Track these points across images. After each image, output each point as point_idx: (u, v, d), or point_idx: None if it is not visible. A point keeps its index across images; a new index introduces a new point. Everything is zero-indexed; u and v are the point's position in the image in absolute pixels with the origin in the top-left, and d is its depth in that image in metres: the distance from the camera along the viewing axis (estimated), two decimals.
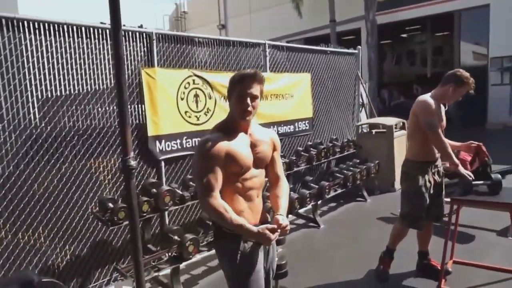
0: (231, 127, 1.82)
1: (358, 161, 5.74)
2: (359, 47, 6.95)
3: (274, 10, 17.37)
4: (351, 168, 5.40)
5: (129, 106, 3.52)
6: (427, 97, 2.99)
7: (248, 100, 1.73)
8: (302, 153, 5.16)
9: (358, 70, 6.86)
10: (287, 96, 5.19)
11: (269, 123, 4.88)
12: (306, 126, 5.55)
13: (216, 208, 1.69)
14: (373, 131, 6.34)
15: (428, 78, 19.42)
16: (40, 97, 2.98)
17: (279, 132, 5.05)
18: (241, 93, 1.73)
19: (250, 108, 1.74)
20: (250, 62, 4.73)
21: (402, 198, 3.16)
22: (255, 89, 1.74)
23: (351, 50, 6.67)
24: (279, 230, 1.76)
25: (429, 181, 3.00)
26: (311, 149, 5.29)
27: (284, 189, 1.98)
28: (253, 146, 1.85)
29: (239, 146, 1.78)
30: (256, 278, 1.80)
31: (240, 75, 1.76)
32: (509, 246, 3.68)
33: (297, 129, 5.39)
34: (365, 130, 6.44)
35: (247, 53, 4.70)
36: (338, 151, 5.59)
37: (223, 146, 1.74)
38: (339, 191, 5.09)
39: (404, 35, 21.76)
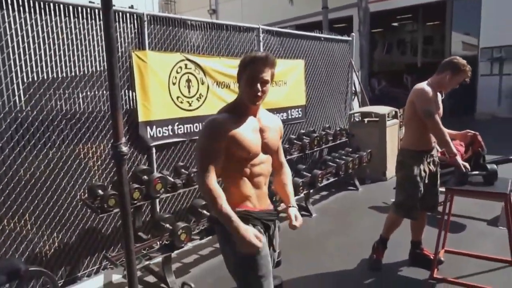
0: (239, 110, 1.77)
1: (350, 149, 5.72)
2: (353, 34, 6.88)
3: None
4: (344, 157, 5.38)
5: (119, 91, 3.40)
6: (424, 85, 2.96)
7: (259, 85, 1.68)
8: (295, 141, 5.11)
9: (351, 57, 6.80)
10: (280, 83, 5.11)
11: None
12: (299, 113, 5.49)
13: (210, 191, 1.64)
14: (366, 119, 6.32)
15: (418, 67, 19.49)
16: (25, 79, 2.84)
17: None
18: (251, 76, 1.67)
19: (260, 93, 1.69)
20: (243, 47, 4.62)
21: (397, 187, 3.14)
22: (266, 74, 1.69)
23: (345, 37, 6.59)
24: (297, 225, 1.81)
25: (424, 171, 2.99)
26: (304, 137, 5.25)
27: (289, 176, 2.00)
28: (261, 131, 1.81)
29: (246, 130, 1.74)
30: (265, 262, 1.73)
31: (251, 58, 1.69)
32: (499, 235, 3.71)
33: (290, 117, 5.32)
34: (357, 119, 6.42)
35: (240, 37, 4.58)
36: (330, 139, 5.56)
37: (229, 128, 1.69)
38: (331, 179, 5.07)
39: (396, 24, 21.73)
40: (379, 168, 5.96)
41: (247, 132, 1.73)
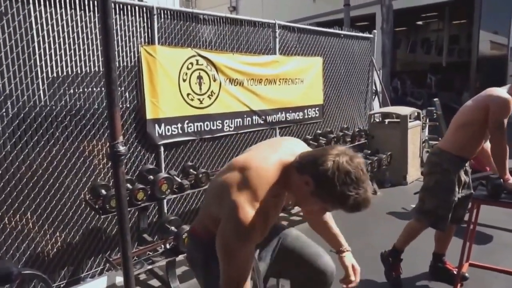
0: (280, 185, 1.33)
1: (369, 151, 5.47)
2: (375, 31, 6.60)
3: None
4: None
5: (127, 86, 3.29)
6: (506, 94, 2.57)
7: None
8: (311, 141, 4.90)
9: (372, 56, 6.52)
10: (296, 81, 4.91)
11: (277, 108, 4.62)
12: (316, 113, 5.27)
13: None
14: (386, 120, 6.05)
15: (444, 67, 18.89)
16: (29, 73, 2.75)
17: (287, 119, 4.79)
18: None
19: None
20: (259, 44, 4.44)
21: (425, 193, 2.82)
22: None
23: (366, 35, 6.32)
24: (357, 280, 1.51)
25: (460, 179, 2.72)
26: (321, 137, 5.03)
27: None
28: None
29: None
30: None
31: (351, 206, 1.29)
32: None
33: (306, 116, 5.12)
34: (377, 120, 6.15)
35: (256, 33, 4.41)
36: (348, 140, 5.32)
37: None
38: None
39: (420, 22, 21.13)
40: (400, 171, 5.68)
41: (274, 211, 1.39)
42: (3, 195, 2.65)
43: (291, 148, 1.40)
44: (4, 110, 2.62)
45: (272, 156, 1.34)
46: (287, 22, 4.84)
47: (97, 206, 2.83)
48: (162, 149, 3.54)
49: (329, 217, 1.65)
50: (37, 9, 2.73)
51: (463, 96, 12.88)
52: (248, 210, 1.21)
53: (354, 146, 5.50)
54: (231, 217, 1.24)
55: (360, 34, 6.21)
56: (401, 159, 5.64)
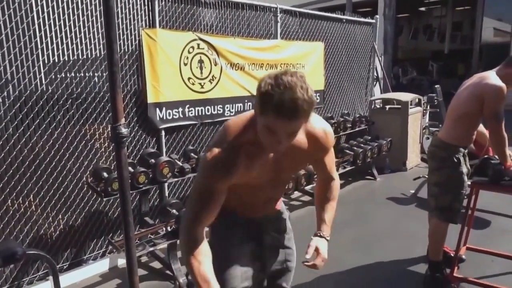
0: (257, 141, 1.26)
1: (369, 137, 5.48)
2: (377, 16, 6.54)
3: None
4: (362, 145, 5.16)
5: (128, 70, 3.28)
6: (498, 81, 2.50)
7: (281, 137, 1.16)
8: None
9: (374, 41, 6.48)
10: (298, 66, 4.89)
11: None
12: (317, 98, 5.22)
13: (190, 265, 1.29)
14: (387, 107, 6.04)
15: (446, 54, 18.77)
16: (30, 56, 2.74)
17: None
18: (269, 127, 1.15)
19: (282, 146, 1.19)
20: (260, 28, 4.41)
21: (437, 189, 2.75)
22: (294, 126, 1.14)
23: (368, 20, 6.26)
24: (317, 263, 1.43)
25: (467, 168, 2.72)
26: None
27: (333, 192, 1.58)
28: (277, 161, 1.35)
29: (255, 165, 1.32)
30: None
31: (275, 105, 1.08)
32: None
33: None
34: (378, 106, 6.14)
35: (257, 17, 4.37)
36: (349, 126, 5.33)
37: (241, 164, 1.28)
38: (348, 168, 4.88)
39: (423, 9, 20.91)
40: (399, 157, 5.70)
41: (254, 168, 1.32)
42: (6, 178, 2.67)
43: None
44: (5, 93, 2.62)
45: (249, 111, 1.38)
46: (288, 6, 4.80)
47: (99, 189, 2.85)
48: (163, 133, 3.55)
49: (330, 194, 1.57)
50: None
51: None
52: (213, 149, 1.27)
53: (355, 132, 5.51)
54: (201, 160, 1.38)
55: (362, 19, 6.16)
56: (401, 145, 5.65)
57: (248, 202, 1.52)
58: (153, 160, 3.11)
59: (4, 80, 2.62)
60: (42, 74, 2.81)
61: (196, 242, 1.30)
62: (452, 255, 2.86)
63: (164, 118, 3.52)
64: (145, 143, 3.46)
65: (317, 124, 1.38)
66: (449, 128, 2.74)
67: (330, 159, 1.52)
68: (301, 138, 1.33)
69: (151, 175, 2.98)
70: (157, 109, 3.45)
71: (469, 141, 2.73)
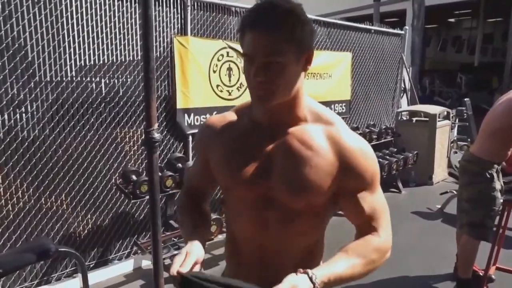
0: (248, 108, 1.06)
1: (395, 150, 5.40)
2: (406, 27, 6.47)
3: None
4: (387, 157, 5.08)
5: (159, 76, 3.37)
6: None
7: (258, 70, 0.87)
8: None
9: (402, 53, 6.40)
10: (325, 75, 4.89)
11: None
12: (343, 108, 5.24)
13: (178, 207, 1.24)
14: (414, 119, 5.94)
15: (475, 67, 18.31)
16: (68, 61, 2.86)
17: None
18: (247, 53, 0.89)
19: (261, 86, 0.89)
20: None
21: (469, 204, 2.67)
22: (272, 43, 0.85)
23: (397, 31, 6.21)
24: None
25: (500, 184, 2.66)
26: None
27: (369, 250, 0.98)
28: (269, 154, 0.98)
29: (232, 145, 1.03)
30: None
31: (250, 16, 0.88)
32: None
33: (333, 111, 5.09)
34: (405, 118, 6.05)
35: None
36: (374, 138, 5.27)
37: (211, 136, 1.07)
38: None
39: (452, 20, 20.51)
40: (426, 171, 5.59)
41: (229, 149, 1.03)
42: (41, 176, 2.78)
43: None
44: (44, 95, 2.74)
45: None
46: (315, 16, 4.82)
47: (127, 191, 2.92)
48: (190, 138, 3.61)
49: (360, 253, 0.96)
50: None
51: (494, 98, 12.48)
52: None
53: (380, 144, 5.45)
54: None
55: (391, 30, 6.11)
56: (427, 159, 5.54)
57: (238, 237, 1.09)
58: (180, 165, 3.17)
59: (44, 83, 2.74)
60: (79, 78, 2.92)
61: (185, 194, 1.22)
62: (481, 274, 2.78)
63: (192, 123, 3.58)
64: (172, 148, 3.53)
65: (351, 135, 0.99)
66: (482, 143, 2.67)
67: (374, 200, 1.00)
68: (313, 133, 0.97)
69: (178, 180, 3.03)
70: (186, 114, 3.52)
71: (502, 157, 2.65)
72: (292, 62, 0.89)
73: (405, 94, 6.75)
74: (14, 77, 2.60)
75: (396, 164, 4.96)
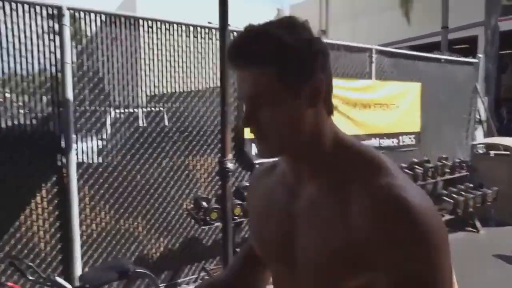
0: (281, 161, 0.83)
1: (471, 185, 5.03)
2: (480, 56, 6.15)
3: (378, 16, 16.58)
4: (463, 193, 4.75)
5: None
6: None
7: (246, 114, 0.72)
8: (406, 170, 4.68)
9: (476, 82, 6.06)
10: (392, 106, 4.77)
11: (371, 134, 4.53)
12: (412, 140, 5.04)
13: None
14: (492, 152, 5.52)
15: None
16: (147, 93, 3.12)
17: (381, 145, 4.65)
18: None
19: (257, 135, 0.72)
20: (354, 68, 4.44)
21: None
22: (248, 78, 0.69)
23: (469, 59, 5.92)
24: None
25: None
26: (416, 166, 4.77)
27: None
28: (294, 219, 0.75)
29: (264, 208, 0.83)
30: None
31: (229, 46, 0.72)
32: None
33: (401, 143, 4.92)
34: (481, 151, 5.65)
35: (351, 58, 4.41)
36: (447, 171, 4.96)
37: (251, 195, 0.92)
38: (447, 217, 4.50)
39: None
40: (507, 209, 5.09)
41: (262, 213, 0.84)
42: (121, 200, 3.00)
43: None
44: (136, 124, 3.00)
45: None
46: (380, 46, 4.77)
47: (197, 217, 3.03)
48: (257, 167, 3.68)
49: None
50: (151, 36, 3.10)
51: None
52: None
53: (453, 178, 5.11)
54: None
55: (463, 59, 5.84)
56: (509, 196, 5.07)
57: None
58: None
59: (126, 112, 3.01)
60: (159, 108, 3.16)
61: (242, 249, 1.03)
62: None
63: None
64: (240, 177, 3.62)
65: (378, 178, 0.67)
66: None
67: None
68: (341, 192, 0.69)
69: (246, 208, 3.09)
70: (253, 144, 3.62)
71: None
72: (283, 99, 0.68)
73: (480, 125, 6.33)
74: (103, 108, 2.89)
75: (473, 201, 4.61)
